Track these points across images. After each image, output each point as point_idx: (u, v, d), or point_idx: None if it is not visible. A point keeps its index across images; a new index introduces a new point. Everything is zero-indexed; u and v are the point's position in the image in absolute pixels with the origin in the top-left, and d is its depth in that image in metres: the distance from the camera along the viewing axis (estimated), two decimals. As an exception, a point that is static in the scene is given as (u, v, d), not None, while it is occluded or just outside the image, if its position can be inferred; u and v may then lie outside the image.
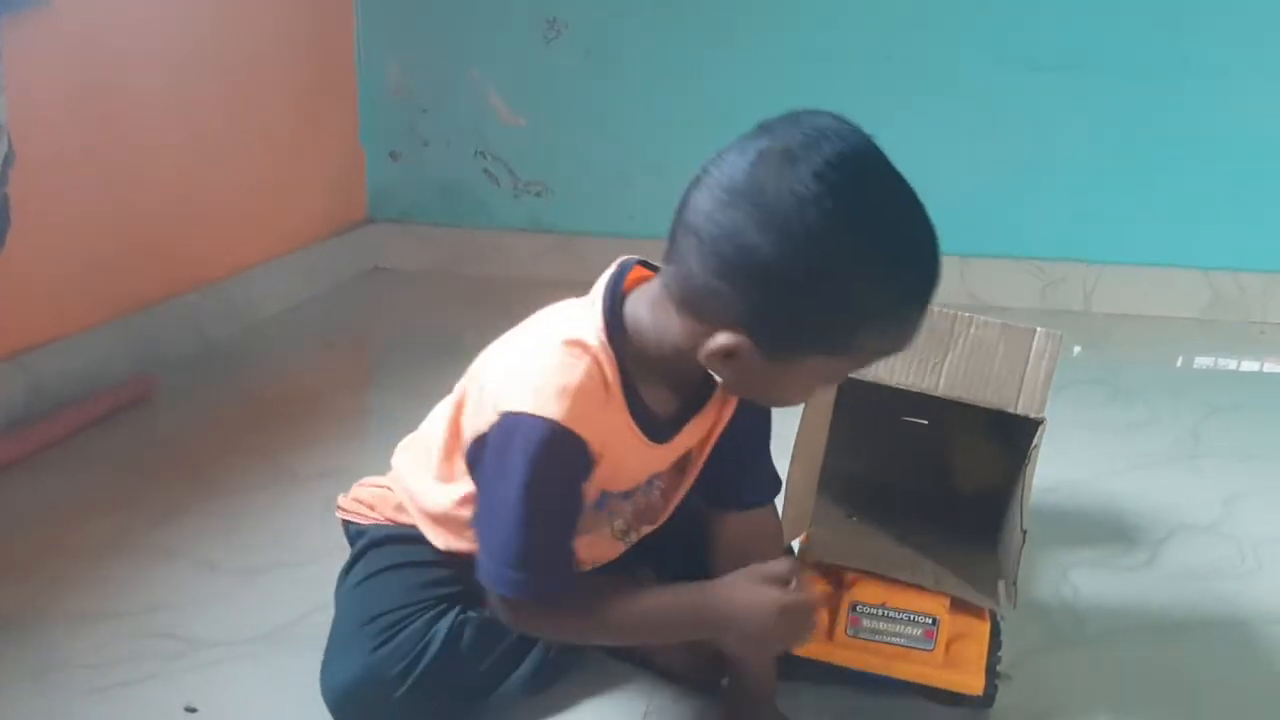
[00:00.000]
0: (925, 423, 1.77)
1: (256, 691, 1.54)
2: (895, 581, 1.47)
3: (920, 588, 1.46)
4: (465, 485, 1.38)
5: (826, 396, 1.55)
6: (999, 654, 1.49)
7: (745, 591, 1.27)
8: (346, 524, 1.58)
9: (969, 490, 1.72)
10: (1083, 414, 2.55)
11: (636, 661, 1.56)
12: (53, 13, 2.34)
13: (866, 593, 1.46)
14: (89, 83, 2.46)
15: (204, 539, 1.94)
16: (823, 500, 1.61)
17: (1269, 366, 3.12)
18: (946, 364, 1.56)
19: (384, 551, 1.48)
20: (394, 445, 1.56)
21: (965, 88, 3.28)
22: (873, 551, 1.54)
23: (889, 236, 1.15)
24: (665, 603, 1.31)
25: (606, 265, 1.34)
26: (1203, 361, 3.18)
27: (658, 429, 1.32)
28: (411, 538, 1.47)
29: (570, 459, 1.25)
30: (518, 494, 1.24)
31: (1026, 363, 1.55)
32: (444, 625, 1.39)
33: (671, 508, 1.47)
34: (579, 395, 1.24)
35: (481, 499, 1.33)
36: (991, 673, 1.47)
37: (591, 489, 1.32)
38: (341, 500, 1.59)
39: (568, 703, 1.49)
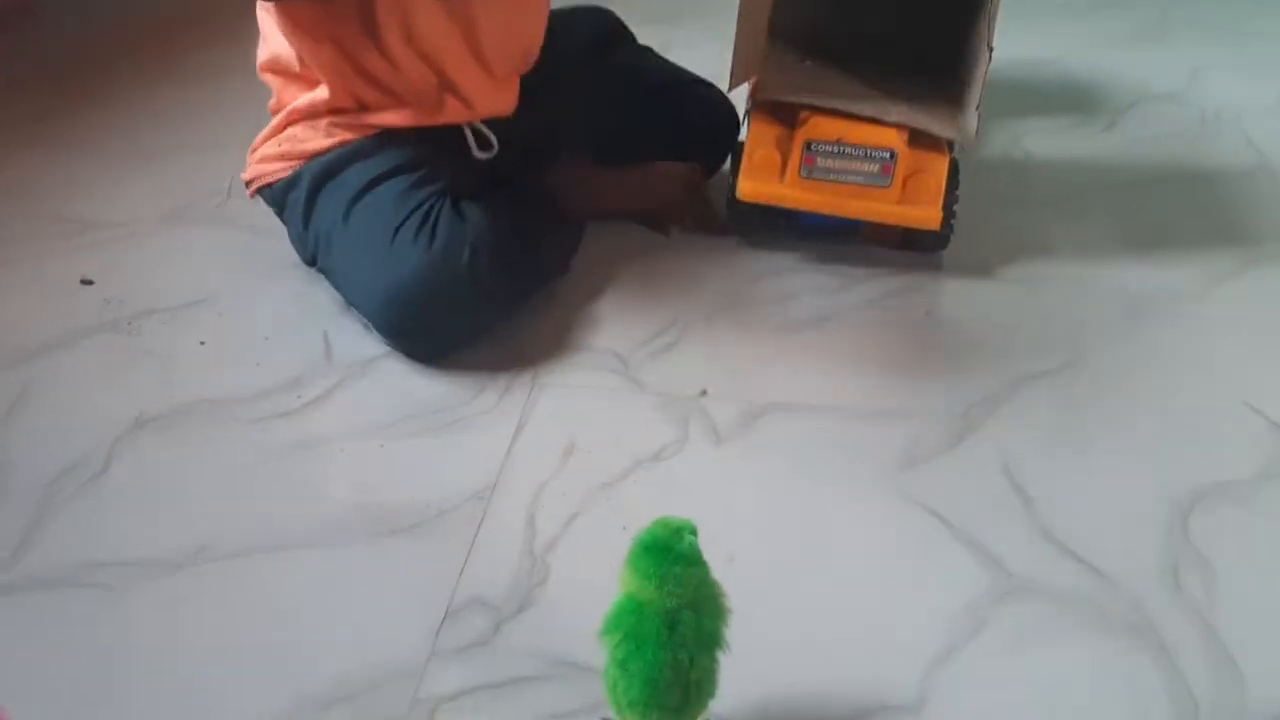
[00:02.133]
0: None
1: (154, 264, 1.44)
2: (851, 116, 1.35)
3: (878, 121, 1.34)
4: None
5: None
6: (956, 192, 1.39)
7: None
8: (265, 189, 1.39)
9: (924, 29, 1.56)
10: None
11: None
12: None
13: (821, 129, 1.34)
14: None
15: (95, 130, 1.78)
16: (775, 45, 1.46)
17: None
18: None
19: (340, 181, 1.30)
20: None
21: None
22: (828, 88, 1.40)
23: None
24: None
25: None
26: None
27: None
28: (347, 157, 1.31)
29: None
30: None
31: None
32: (476, 210, 1.26)
33: None
34: None
35: None
36: (949, 210, 1.38)
37: None
38: (246, 175, 1.40)
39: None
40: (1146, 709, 0.90)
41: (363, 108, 1.31)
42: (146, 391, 1.21)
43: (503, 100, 1.36)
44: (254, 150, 1.40)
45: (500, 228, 1.25)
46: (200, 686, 0.89)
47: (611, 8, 1.61)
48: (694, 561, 0.75)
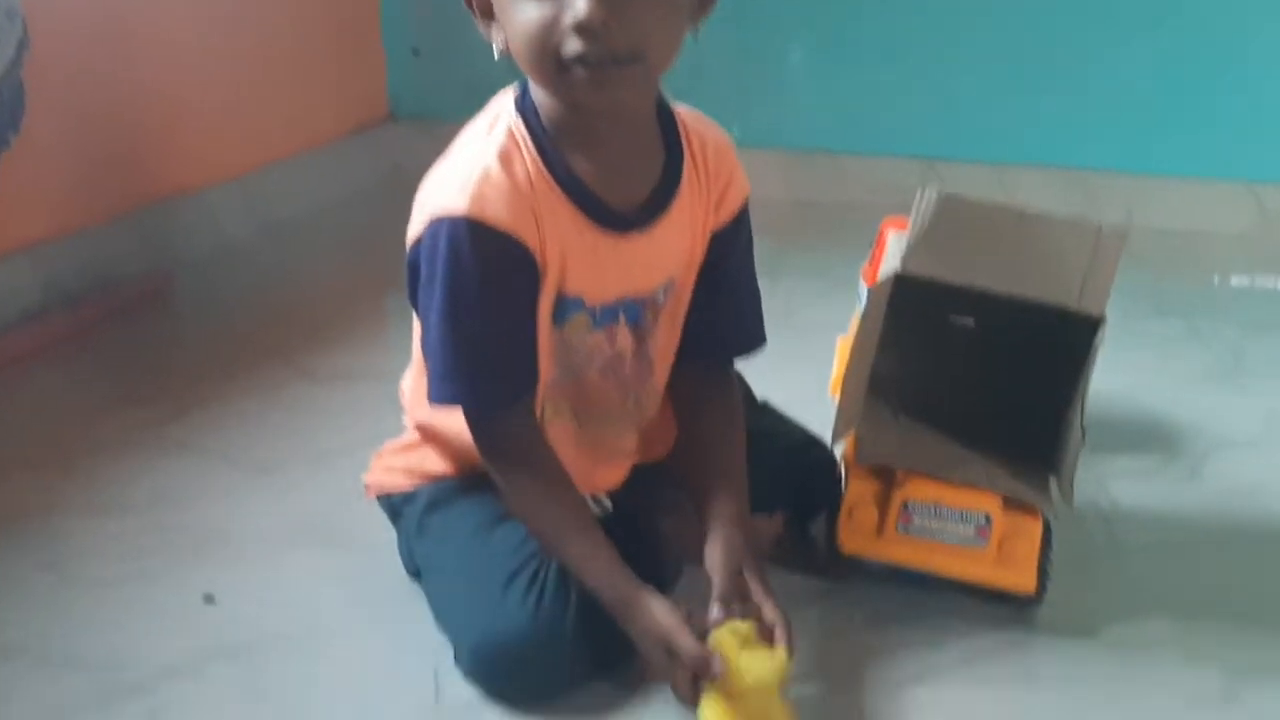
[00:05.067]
0: (971, 322, 1.69)
1: (276, 582, 1.50)
2: (947, 480, 1.41)
3: (973, 486, 1.40)
4: None
5: (881, 299, 1.47)
6: (1050, 553, 1.43)
7: (649, 638, 1.22)
8: (385, 498, 1.47)
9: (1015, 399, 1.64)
10: (1122, 327, 2.47)
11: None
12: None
13: (919, 490, 1.40)
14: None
15: (218, 435, 1.89)
16: (872, 401, 1.54)
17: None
18: (998, 259, 1.47)
19: (456, 510, 1.37)
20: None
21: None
22: (922, 451, 1.47)
23: None
24: (590, 560, 1.26)
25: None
26: (1245, 279, 3.08)
27: (608, 213, 1.27)
28: (467, 487, 1.38)
29: (493, 250, 1.21)
30: (441, 293, 1.21)
31: (1088, 258, 1.46)
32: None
33: (660, 366, 1.40)
34: (495, 176, 1.21)
35: (420, 317, 1.29)
36: (1043, 571, 1.41)
37: (548, 292, 1.27)
38: (368, 478, 1.49)
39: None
40: None
41: None
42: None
43: (608, 479, 1.44)
44: (380, 456, 1.48)
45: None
46: None
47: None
48: None
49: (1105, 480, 1.83)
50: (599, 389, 1.37)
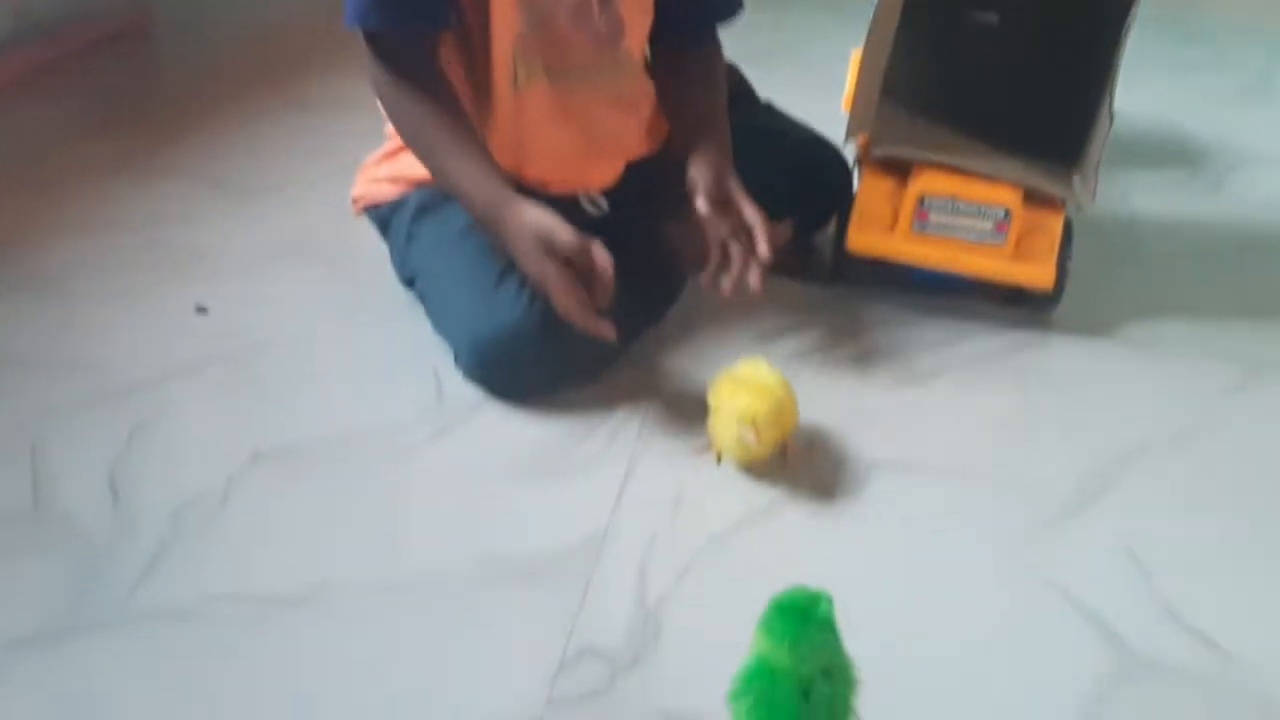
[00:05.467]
0: (995, 18, 1.59)
1: (269, 294, 1.46)
2: (966, 173, 1.34)
3: (992, 178, 1.34)
4: None
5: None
6: (1070, 250, 1.38)
7: (525, 236, 1.18)
8: (372, 209, 1.43)
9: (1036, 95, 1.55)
10: (1150, 54, 2.37)
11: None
12: None
13: (935, 184, 1.34)
14: None
15: (209, 160, 1.82)
16: (886, 103, 1.46)
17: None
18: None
19: (445, 213, 1.33)
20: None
21: None
22: (942, 144, 1.40)
23: None
24: (469, 174, 1.24)
25: None
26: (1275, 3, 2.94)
27: None
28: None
29: None
30: None
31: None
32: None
33: (631, 26, 1.35)
34: None
35: None
36: (1062, 269, 1.36)
37: None
38: (355, 193, 1.44)
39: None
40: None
41: None
42: (262, 426, 1.22)
43: (602, 174, 1.39)
44: (364, 169, 1.44)
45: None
46: (317, 725, 0.90)
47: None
48: (830, 628, 0.75)
49: (1128, 193, 1.78)
50: (570, 40, 1.31)
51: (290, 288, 1.48)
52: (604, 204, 1.38)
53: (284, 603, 1.00)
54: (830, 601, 0.75)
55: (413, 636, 0.98)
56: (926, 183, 1.34)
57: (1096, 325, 1.43)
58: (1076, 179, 1.36)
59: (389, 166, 1.40)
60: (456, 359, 1.30)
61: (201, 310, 1.42)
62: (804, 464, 1.18)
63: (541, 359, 1.24)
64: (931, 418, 1.27)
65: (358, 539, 1.08)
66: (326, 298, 1.46)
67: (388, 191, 1.39)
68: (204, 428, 1.22)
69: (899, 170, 1.39)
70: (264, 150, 1.87)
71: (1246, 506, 1.15)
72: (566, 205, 1.34)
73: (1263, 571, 1.07)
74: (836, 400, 1.28)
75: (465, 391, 1.28)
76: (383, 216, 1.41)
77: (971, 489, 1.16)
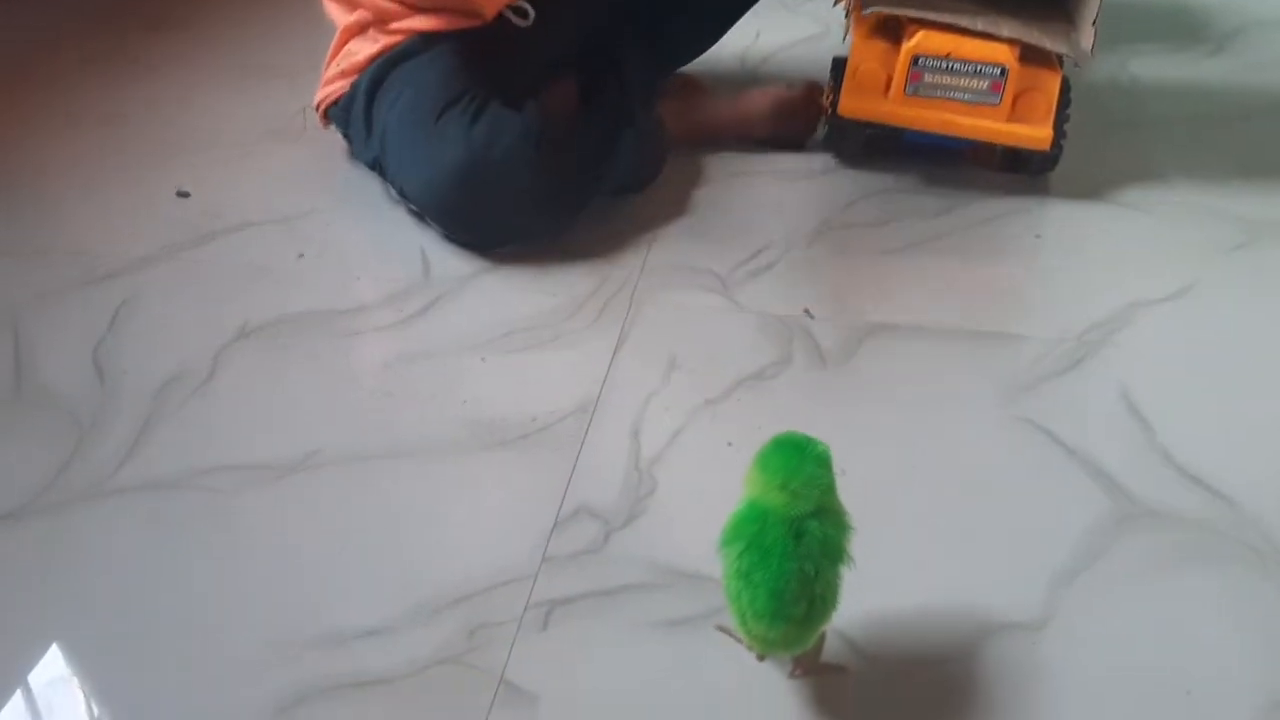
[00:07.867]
0: None
1: (250, 180, 1.43)
2: (961, 30, 1.30)
3: (988, 35, 1.30)
4: None
5: None
6: (1067, 111, 1.35)
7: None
8: (333, 109, 1.39)
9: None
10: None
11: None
12: None
13: (930, 43, 1.30)
14: None
15: (190, 50, 1.77)
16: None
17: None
18: None
19: (390, 81, 1.31)
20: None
21: None
22: (936, 1, 1.35)
23: None
24: None
25: None
26: None
27: None
28: (395, 59, 1.31)
29: None
30: None
31: None
32: (533, 104, 1.26)
33: None
34: None
35: None
36: (1059, 130, 1.33)
37: None
38: (315, 103, 1.41)
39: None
40: (1273, 638, 0.87)
41: (401, 13, 1.31)
42: (248, 303, 1.20)
43: None
44: (321, 83, 1.41)
45: (556, 124, 1.25)
46: (310, 590, 0.89)
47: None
48: (825, 465, 0.73)
49: (1126, 60, 1.74)
50: None
51: (272, 172, 1.45)
52: (530, 12, 1.33)
53: (275, 471, 0.99)
54: (827, 447, 0.74)
55: (407, 500, 0.97)
56: (921, 43, 1.30)
57: (1095, 190, 1.40)
58: (1074, 34, 1.32)
59: (337, 65, 1.37)
60: (422, 209, 1.29)
61: (183, 195, 1.39)
62: (797, 333, 1.16)
63: (496, 187, 1.22)
64: (927, 283, 1.25)
65: (348, 410, 1.07)
66: (309, 180, 1.43)
67: (340, 87, 1.36)
68: (189, 306, 1.21)
69: (892, 33, 1.35)
70: (242, 40, 1.81)
71: (1246, 359, 1.14)
72: (509, 53, 1.33)
73: (1260, 420, 1.06)
74: (836, 268, 1.26)
75: (453, 266, 1.26)
76: (340, 115, 1.38)
77: (971, 348, 1.15)
